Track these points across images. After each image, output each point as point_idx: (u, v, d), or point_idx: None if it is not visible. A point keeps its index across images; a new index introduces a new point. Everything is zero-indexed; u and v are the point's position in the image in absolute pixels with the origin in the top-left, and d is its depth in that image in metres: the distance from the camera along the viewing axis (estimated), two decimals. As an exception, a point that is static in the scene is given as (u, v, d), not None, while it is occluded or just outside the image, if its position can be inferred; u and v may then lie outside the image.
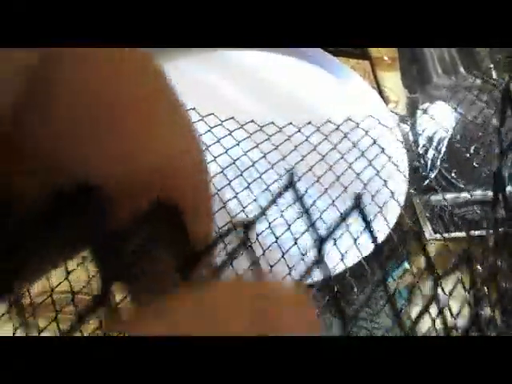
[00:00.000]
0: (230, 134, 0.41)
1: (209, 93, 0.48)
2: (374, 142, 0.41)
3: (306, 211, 0.14)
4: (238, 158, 0.41)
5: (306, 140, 0.42)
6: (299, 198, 0.14)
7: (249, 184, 0.40)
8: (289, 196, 0.13)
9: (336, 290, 0.35)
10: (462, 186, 0.41)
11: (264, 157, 0.41)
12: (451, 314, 0.28)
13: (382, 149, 0.41)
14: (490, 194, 0.41)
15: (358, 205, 0.12)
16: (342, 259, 0.36)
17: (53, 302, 0.30)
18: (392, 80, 0.53)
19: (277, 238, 0.36)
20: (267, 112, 0.47)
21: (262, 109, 0.48)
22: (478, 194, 0.41)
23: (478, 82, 0.48)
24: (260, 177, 0.40)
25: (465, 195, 0.40)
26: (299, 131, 0.42)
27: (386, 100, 0.50)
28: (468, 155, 0.41)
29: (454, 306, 0.30)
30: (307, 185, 0.40)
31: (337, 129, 0.42)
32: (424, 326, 0.31)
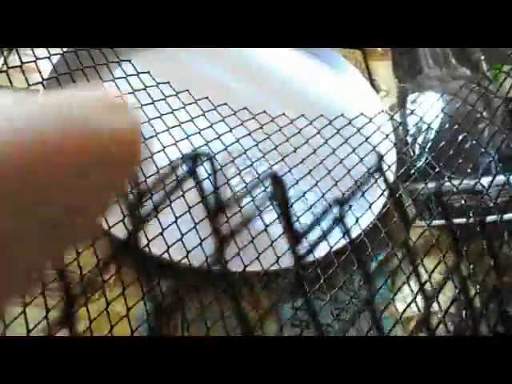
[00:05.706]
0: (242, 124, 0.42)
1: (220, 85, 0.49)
2: (359, 130, 0.42)
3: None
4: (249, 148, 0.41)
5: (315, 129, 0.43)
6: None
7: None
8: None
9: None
10: (449, 175, 0.42)
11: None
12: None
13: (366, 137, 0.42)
14: (480, 182, 0.42)
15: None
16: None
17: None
18: (383, 70, 0.53)
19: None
20: (263, 99, 0.48)
21: (259, 95, 0.49)
22: (465, 183, 0.42)
23: (469, 73, 0.48)
24: (271, 166, 0.41)
25: (452, 184, 0.41)
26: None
27: (376, 89, 0.51)
28: (456, 144, 0.42)
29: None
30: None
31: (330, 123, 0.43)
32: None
